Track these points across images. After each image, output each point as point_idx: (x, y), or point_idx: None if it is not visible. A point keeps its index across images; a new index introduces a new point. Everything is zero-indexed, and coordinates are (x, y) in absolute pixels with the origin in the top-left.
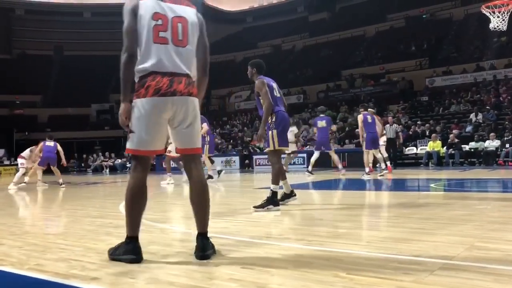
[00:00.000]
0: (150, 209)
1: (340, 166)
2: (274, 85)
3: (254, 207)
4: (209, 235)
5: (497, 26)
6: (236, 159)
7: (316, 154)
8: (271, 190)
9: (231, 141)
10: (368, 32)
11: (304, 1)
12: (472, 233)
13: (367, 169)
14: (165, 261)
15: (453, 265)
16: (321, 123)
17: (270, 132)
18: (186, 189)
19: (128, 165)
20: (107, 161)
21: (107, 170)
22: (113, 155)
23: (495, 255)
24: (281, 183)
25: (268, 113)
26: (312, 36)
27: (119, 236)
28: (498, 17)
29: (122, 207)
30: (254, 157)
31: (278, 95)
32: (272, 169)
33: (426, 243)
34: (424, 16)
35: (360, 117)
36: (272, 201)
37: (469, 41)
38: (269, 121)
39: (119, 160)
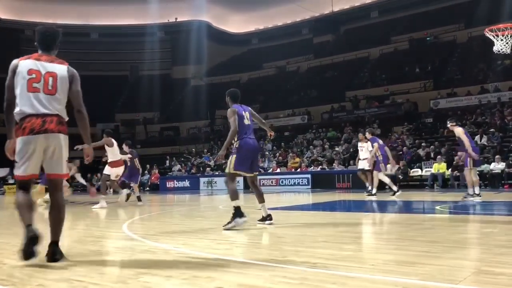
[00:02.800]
0: (152, 229)
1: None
2: (246, 114)
3: (223, 226)
4: (214, 256)
5: (501, 49)
6: (241, 179)
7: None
8: (233, 206)
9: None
10: (372, 54)
11: (308, 23)
12: (478, 257)
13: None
14: (168, 283)
15: None
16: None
17: (230, 156)
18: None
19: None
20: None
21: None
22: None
23: (502, 280)
24: (260, 205)
25: (230, 138)
26: (317, 57)
27: (123, 256)
28: (502, 40)
29: (126, 227)
30: (258, 177)
31: (248, 122)
32: (227, 188)
33: (431, 267)
34: (428, 38)
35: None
36: (237, 214)
37: (473, 64)
38: (233, 146)
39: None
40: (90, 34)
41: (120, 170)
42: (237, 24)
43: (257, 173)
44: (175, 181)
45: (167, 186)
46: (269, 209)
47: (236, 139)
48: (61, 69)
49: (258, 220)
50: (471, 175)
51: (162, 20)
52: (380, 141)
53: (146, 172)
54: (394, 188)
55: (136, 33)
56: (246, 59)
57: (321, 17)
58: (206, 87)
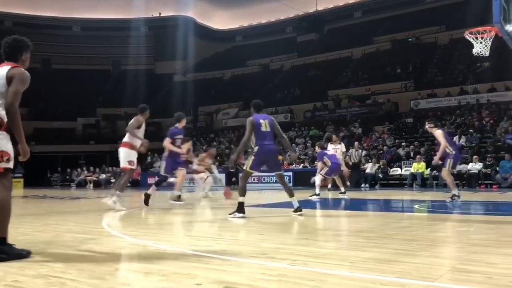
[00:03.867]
0: (131, 225)
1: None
2: (263, 121)
3: (229, 214)
4: (194, 253)
5: (480, 52)
6: (223, 176)
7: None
8: (238, 201)
9: (218, 158)
10: (355, 54)
11: (292, 22)
12: (454, 255)
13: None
14: (147, 279)
15: (436, 287)
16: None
17: (250, 157)
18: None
19: (113, 180)
20: (91, 176)
21: (91, 185)
22: (97, 170)
23: (475, 278)
24: (290, 199)
25: (241, 147)
26: (300, 56)
27: (101, 252)
28: (481, 43)
29: (105, 223)
30: (240, 174)
31: (266, 129)
32: (239, 183)
33: (409, 265)
34: (410, 39)
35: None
36: (239, 209)
37: (453, 65)
38: (253, 151)
39: (104, 175)
40: (72, 27)
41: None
42: (221, 20)
43: (279, 172)
44: (156, 177)
45: (148, 182)
46: (250, 206)
47: (254, 144)
48: (3, 70)
49: (293, 211)
50: (448, 176)
51: (146, 15)
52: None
53: None
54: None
55: (119, 27)
56: (229, 56)
57: (305, 16)
58: (189, 83)
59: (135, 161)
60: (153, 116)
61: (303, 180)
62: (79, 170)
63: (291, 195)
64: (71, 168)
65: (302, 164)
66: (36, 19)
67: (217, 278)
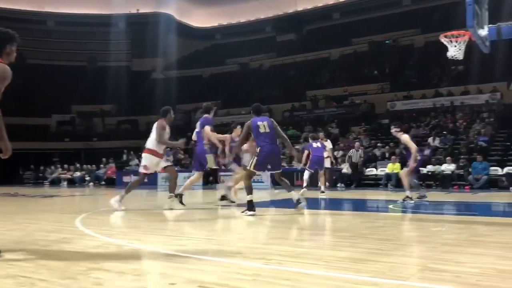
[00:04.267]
0: (106, 224)
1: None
2: (261, 123)
3: (242, 212)
4: (168, 252)
5: (454, 55)
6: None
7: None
8: (247, 200)
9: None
10: (333, 55)
11: (272, 22)
12: (426, 254)
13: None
14: (120, 279)
15: (407, 285)
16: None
17: (252, 157)
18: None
19: (87, 178)
20: (65, 174)
21: (65, 183)
22: (72, 167)
23: (445, 277)
24: (288, 194)
25: (236, 147)
26: (279, 56)
27: (74, 251)
28: (455, 46)
29: (78, 222)
30: (218, 173)
31: (265, 130)
32: (244, 184)
33: (382, 264)
34: (387, 42)
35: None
36: (249, 207)
37: (429, 68)
38: (256, 152)
39: (78, 173)
40: (47, 21)
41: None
42: (200, 18)
43: (279, 171)
44: (132, 175)
45: (124, 180)
46: (227, 206)
47: (256, 146)
48: None
49: (294, 208)
50: (406, 176)
51: (123, 11)
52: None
53: (102, 166)
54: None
55: (95, 22)
56: (209, 54)
57: (285, 16)
58: (167, 80)
59: (151, 165)
60: (130, 114)
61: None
62: (52, 167)
63: (289, 190)
64: (44, 165)
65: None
66: (9, 12)
67: (191, 277)
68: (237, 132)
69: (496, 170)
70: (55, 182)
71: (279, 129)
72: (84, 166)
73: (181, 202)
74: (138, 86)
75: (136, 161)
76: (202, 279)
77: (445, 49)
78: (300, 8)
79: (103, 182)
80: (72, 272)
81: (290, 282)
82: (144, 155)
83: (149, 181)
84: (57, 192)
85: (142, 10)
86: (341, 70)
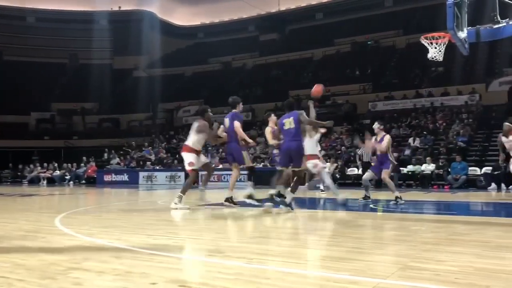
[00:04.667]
0: (86, 224)
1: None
2: (287, 120)
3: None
4: (150, 252)
5: (434, 57)
6: (182, 174)
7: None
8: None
9: (177, 155)
10: (316, 55)
11: (255, 21)
12: (406, 253)
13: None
14: (100, 279)
15: (387, 284)
16: None
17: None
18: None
19: (67, 177)
20: (44, 172)
21: (45, 182)
22: (52, 166)
23: (425, 275)
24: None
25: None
26: (262, 55)
27: (53, 251)
28: (435, 48)
29: (58, 221)
30: (201, 173)
31: (291, 127)
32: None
33: (363, 263)
34: (369, 42)
35: None
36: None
37: (410, 69)
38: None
39: (58, 172)
40: (27, 18)
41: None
42: (183, 16)
43: (297, 168)
44: (113, 174)
45: (105, 179)
46: (209, 205)
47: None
48: None
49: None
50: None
51: (105, 8)
52: None
53: (82, 164)
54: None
55: (76, 19)
56: (191, 52)
57: (267, 15)
58: (149, 79)
59: (195, 161)
60: (111, 112)
61: (263, 178)
62: (31, 166)
63: (292, 191)
64: (23, 164)
65: (262, 163)
66: None
67: (172, 277)
68: (273, 120)
69: (475, 170)
70: (34, 181)
71: (306, 118)
72: (64, 165)
73: (233, 202)
74: (120, 84)
75: (117, 159)
76: (184, 278)
77: (426, 50)
78: (283, 8)
79: (83, 181)
80: (51, 272)
81: (271, 281)
82: (184, 153)
83: (130, 180)
84: (36, 191)
85: (124, 8)
86: (324, 70)
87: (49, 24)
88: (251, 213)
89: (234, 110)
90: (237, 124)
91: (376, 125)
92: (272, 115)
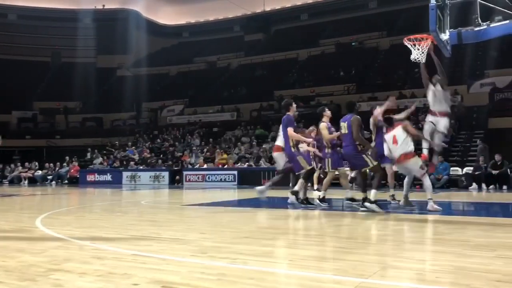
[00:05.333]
0: (68, 224)
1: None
2: (343, 124)
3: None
4: (132, 252)
5: (417, 58)
6: (166, 174)
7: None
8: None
9: (161, 155)
10: (301, 56)
11: (240, 21)
12: (388, 252)
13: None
14: (81, 280)
15: (369, 283)
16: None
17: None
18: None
19: (49, 177)
20: (26, 172)
21: (26, 182)
22: (33, 165)
23: (407, 274)
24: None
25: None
26: (247, 55)
27: (33, 253)
28: (418, 49)
29: (39, 222)
30: (185, 172)
31: (346, 132)
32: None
33: (345, 262)
34: (353, 43)
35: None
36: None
37: (393, 70)
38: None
39: (40, 172)
40: (8, 15)
41: None
42: (168, 15)
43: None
44: (96, 174)
45: (88, 179)
46: (193, 205)
47: None
48: None
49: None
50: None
51: (89, 6)
52: None
53: (65, 164)
54: None
55: (59, 17)
56: (176, 52)
57: (253, 15)
58: (133, 78)
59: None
60: (94, 111)
61: (248, 178)
62: (12, 166)
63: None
64: (3, 163)
65: (247, 163)
66: None
67: (154, 277)
68: (327, 115)
69: (456, 170)
70: (15, 181)
71: (355, 127)
72: (46, 164)
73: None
74: (104, 83)
75: (100, 159)
76: (166, 279)
77: (410, 51)
78: (268, 8)
79: (66, 181)
80: (31, 273)
81: (255, 281)
82: (275, 154)
83: (114, 180)
84: (17, 191)
85: (108, 6)
86: (309, 71)
87: (31, 21)
88: (236, 213)
89: (287, 113)
90: (290, 131)
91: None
92: (327, 109)
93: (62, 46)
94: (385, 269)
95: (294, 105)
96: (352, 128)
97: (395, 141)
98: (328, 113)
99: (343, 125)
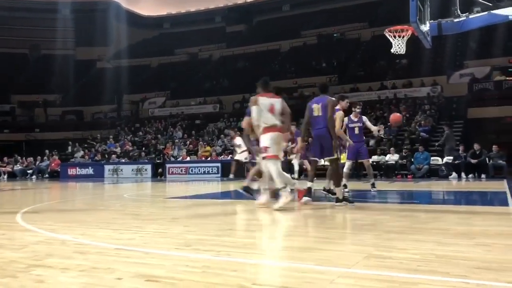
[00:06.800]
0: (49, 219)
1: None
2: (316, 105)
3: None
4: (115, 247)
5: (397, 50)
6: (148, 167)
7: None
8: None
9: (144, 148)
10: (283, 47)
11: (222, 12)
12: (370, 242)
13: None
14: (64, 275)
15: (352, 273)
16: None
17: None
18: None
19: (30, 171)
20: (5, 167)
21: (5, 177)
22: (12, 160)
23: (389, 263)
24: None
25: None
26: (229, 47)
27: (13, 248)
28: (398, 41)
29: (19, 217)
30: (168, 165)
31: (319, 114)
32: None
33: (329, 252)
34: (335, 35)
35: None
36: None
37: (374, 61)
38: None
39: (19, 166)
40: None
41: None
42: (148, 6)
43: (330, 158)
44: (77, 168)
45: (69, 173)
46: (177, 198)
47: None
48: None
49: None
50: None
51: None
52: None
53: (45, 158)
54: None
55: (38, 8)
56: (157, 43)
57: (234, 6)
58: (114, 70)
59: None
60: (75, 104)
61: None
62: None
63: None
64: None
65: (230, 155)
66: None
67: (138, 271)
68: (342, 105)
69: (437, 160)
70: None
71: (331, 109)
72: (26, 158)
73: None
74: (84, 76)
75: (81, 153)
76: (150, 272)
77: (391, 43)
78: None
79: (46, 175)
80: (12, 270)
81: (238, 273)
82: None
83: (96, 173)
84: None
85: None
86: (291, 62)
87: (8, 12)
88: (219, 205)
89: (337, 107)
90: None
91: (357, 108)
92: (346, 99)
93: (41, 38)
94: (367, 258)
95: (346, 101)
96: (328, 109)
97: None
98: (343, 103)
99: (316, 106)
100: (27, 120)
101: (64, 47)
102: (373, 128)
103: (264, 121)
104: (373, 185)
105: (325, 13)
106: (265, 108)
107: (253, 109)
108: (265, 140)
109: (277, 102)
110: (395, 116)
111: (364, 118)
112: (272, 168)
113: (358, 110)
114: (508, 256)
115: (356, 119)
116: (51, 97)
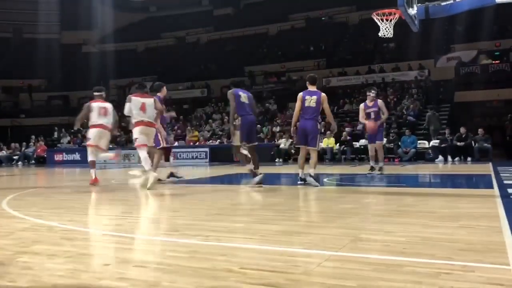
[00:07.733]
0: (35, 205)
1: None
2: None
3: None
4: (103, 233)
5: (385, 33)
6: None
7: None
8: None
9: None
10: (271, 31)
11: None
12: (357, 225)
13: None
14: (51, 262)
15: (339, 256)
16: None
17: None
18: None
19: (15, 157)
20: None
21: None
22: None
23: (375, 246)
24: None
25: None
26: (217, 30)
27: (1, 234)
28: (386, 24)
29: (5, 204)
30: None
31: (244, 101)
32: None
33: (316, 236)
34: (323, 18)
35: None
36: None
37: (362, 45)
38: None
39: (5, 152)
40: None
41: None
42: None
43: (255, 143)
44: (64, 153)
45: (55, 159)
46: (165, 183)
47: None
48: None
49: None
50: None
51: None
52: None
53: (31, 144)
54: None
55: None
56: (143, 27)
57: None
58: (99, 54)
59: None
60: (60, 89)
61: (219, 155)
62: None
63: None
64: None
65: (218, 140)
66: None
67: (126, 257)
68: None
69: (424, 143)
70: None
71: (327, 105)
72: (12, 144)
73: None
74: (69, 60)
75: (68, 138)
76: (138, 258)
77: (378, 26)
78: None
79: (33, 161)
80: None
81: (226, 257)
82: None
83: (82, 159)
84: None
85: None
86: (279, 46)
87: None
88: (208, 190)
89: (158, 94)
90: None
91: (371, 94)
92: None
93: (24, 21)
94: (354, 241)
95: (165, 88)
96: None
97: None
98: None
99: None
100: (11, 106)
101: (49, 31)
102: (385, 115)
103: (134, 117)
104: (380, 169)
105: None
106: (136, 107)
107: (126, 106)
108: (135, 132)
109: (149, 102)
110: (370, 124)
111: (379, 102)
112: (141, 154)
113: (372, 95)
114: (492, 237)
115: (371, 104)
116: (36, 82)
